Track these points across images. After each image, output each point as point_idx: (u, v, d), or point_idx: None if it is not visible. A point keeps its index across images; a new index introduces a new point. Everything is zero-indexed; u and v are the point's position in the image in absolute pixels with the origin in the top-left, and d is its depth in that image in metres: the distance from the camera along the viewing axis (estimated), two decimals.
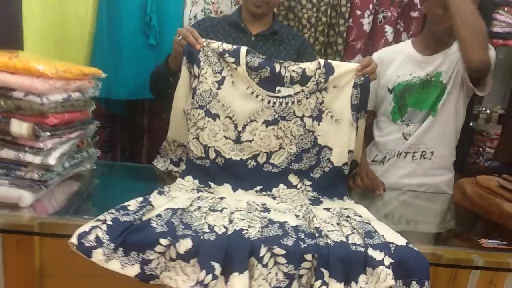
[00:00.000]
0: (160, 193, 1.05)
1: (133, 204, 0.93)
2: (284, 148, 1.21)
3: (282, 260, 0.83)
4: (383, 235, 0.91)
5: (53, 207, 1.00)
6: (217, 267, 0.80)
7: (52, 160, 0.97)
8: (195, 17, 1.81)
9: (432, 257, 0.93)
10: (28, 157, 0.95)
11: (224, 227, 0.88)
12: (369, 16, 1.89)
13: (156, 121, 2.03)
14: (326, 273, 0.83)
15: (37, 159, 0.95)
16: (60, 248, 0.85)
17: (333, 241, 0.88)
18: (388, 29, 1.92)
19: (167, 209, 0.94)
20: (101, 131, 2.04)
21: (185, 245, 0.82)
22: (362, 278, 0.83)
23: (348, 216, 1.04)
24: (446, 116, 1.45)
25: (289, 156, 1.22)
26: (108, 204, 0.90)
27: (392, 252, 0.85)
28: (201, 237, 0.83)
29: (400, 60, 1.50)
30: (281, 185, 1.20)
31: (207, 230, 0.86)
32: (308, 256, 0.84)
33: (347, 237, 0.91)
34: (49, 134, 0.96)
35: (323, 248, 0.85)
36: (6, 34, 1.47)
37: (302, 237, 0.89)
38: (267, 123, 1.21)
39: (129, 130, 2.10)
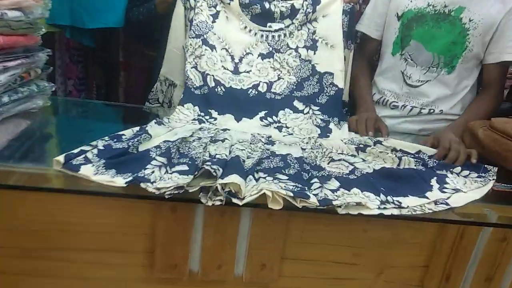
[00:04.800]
0: (159, 123, 1.02)
1: (128, 133, 0.92)
2: (283, 79, 1.22)
3: (288, 181, 0.81)
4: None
5: None
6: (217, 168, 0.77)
7: None
8: None
9: (437, 213, 0.81)
10: None
11: (226, 156, 0.85)
12: None
13: (135, 57, 1.85)
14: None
15: None
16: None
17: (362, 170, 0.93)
18: None
19: (166, 141, 0.93)
20: (74, 66, 1.86)
21: (180, 168, 0.80)
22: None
23: (365, 144, 1.06)
24: (465, 78, 1.23)
25: (290, 85, 1.22)
26: (65, 147, 0.81)
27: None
28: (198, 164, 0.80)
29: None
30: (287, 110, 1.18)
31: (207, 158, 0.83)
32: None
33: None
34: None
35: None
36: None
37: (307, 168, 0.89)
38: (262, 56, 1.23)
39: (104, 65, 1.91)
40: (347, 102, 1.30)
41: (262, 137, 1.06)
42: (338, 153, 1.02)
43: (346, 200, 0.77)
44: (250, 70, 1.21)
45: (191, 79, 1.17)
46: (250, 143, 1.00)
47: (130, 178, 0.75)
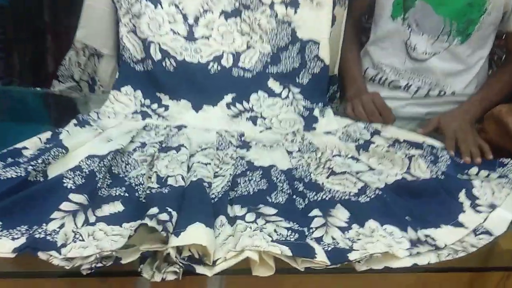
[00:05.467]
0: (82, 123, 0.74)
1: (32, 144, 0.63)
2: (254, 48, 0.93)
3: (277, 218, 0.55)
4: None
5: None
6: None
7: None
8: None
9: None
10: None
11: (182, 178, 0.59)
12: None
13: (64, 18, 1.53)
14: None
15: None
16: None
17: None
18: None
19: (91, 156, 0.62)
20: None
21: (110, 209, 0.53)
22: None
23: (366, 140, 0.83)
24: (479, 47, 0.97)
25: (263, 57, 0.93)
26: None
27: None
28: (141, 197, 0.56)
29: None
30: (261, 92, 0.91)
31: (154, 185, 0.56)
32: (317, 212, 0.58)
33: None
34: None
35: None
36: None
37: (301, 189, 0.64)
38: (226, 14, 0.92)
39: (26, 28, 1.56)
40: (337, 77, 1.03)
41: (233, 136, 0.78)
42: (335, 155, 0.77)
43: (367, 251, 0.51)
44: (210, 36, 0.91)
45: (128, 49, 0.87)
46: (217, 149, 0.72)
47: (23, 241, 0.45)
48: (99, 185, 0.56)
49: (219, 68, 0.90)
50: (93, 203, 0.52)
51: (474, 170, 0.76)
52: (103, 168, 0.59)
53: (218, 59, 0.90)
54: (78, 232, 0.47)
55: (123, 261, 0.44)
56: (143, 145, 0.70)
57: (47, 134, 0.66)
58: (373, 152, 0.79)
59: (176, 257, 0.45)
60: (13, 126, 0.79)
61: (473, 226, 0.61)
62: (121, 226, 0.49)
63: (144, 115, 0.81)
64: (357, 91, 0.98)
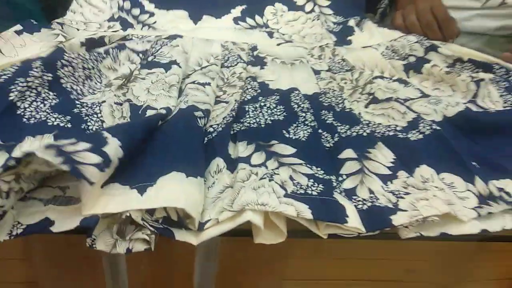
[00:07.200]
0: (31, 29, 0.54)
1: None
2: None
3: (295, 160, 0.39)
4: None
5: None
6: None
7: None
8: None
9: None
10: None
11: (168, 111, 0.44)
12: None
13: None
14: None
15: None
16: None
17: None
18: None
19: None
20: None
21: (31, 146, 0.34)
22: None
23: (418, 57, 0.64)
24: None
25: None
26: None
27: None
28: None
29: None
30: (278, 5, 0.72)
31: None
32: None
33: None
34: None
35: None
36: None
37: (330, 120, 0.48)
38: None
39: None
40: None
41: (242, 50, 0.61)
42: (377, 77, 0.59)
43: (420, 213, 0.36)
44: None
45: None
46: (222, 66, 0.56)
47: None
48: (24, 105, 0.41)
49: None
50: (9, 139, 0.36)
51: None
52: (32, 78, 0.42)
53: None
54: None
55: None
56: (122, 46, 0.53)
57: None
58: (428, 74, 0.61)
59: (144, 219, 0.31)
60: None
61: None
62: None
63: (124, 24, 0.63)
64: None
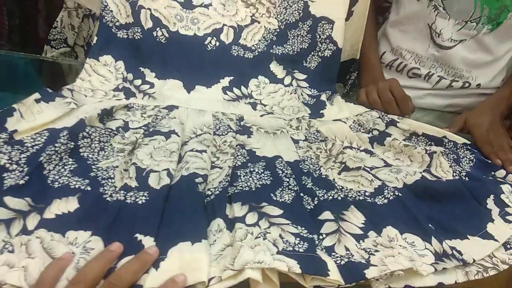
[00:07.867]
0: (47, 97, 0.59)
1: None
2: (258, 22, 0.82)
3: (282, 220, 0.46)
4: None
5: None
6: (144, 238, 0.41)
7: None
8: None
9: None
10: None
11: (168, 174, 0.50)
12: None
13: None
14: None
15: None
16: None
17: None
18: None
19: (46, 130, 0.51)
20: None
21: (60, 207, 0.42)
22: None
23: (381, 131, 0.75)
24: (509, 38, 0.87)
25: (268, 34, 0.83)
26: None
27: None
28: (106, 195, 0.46)
29: None
30: (261, 78, 0.82)
31: (131, 182, 0.47)
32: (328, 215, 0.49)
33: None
34: None
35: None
36: None
37: (309, 185, 0.55)
38: None
39: None
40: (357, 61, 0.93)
41: (231, 120, 0.70)
42: (346, 147, 0.68)
43: (388, 267, 0.43)
44: (210, 4, 0.80)
45: (110, 10, 0.75)
46: (215, 134, 0.63)
47: None
48: (49, 167, 0.47)
49: (217, 44, 0.79)
50: (38, 200, 0.43)
51: (501, 172, 0.68)
52: (59, 145, 0.49)
53: (217, 33, 0.80)
54: (8, 243, 0.38)
55: None
56: (126, 126, 0.60)
57: None
58: (389, 146, 0.71)
59: None
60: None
61: (504, 239, 0.54)
62: (64, 236, 0.40)
63: (128, 93, 0.70)
64: (373, 78, 0.89)
